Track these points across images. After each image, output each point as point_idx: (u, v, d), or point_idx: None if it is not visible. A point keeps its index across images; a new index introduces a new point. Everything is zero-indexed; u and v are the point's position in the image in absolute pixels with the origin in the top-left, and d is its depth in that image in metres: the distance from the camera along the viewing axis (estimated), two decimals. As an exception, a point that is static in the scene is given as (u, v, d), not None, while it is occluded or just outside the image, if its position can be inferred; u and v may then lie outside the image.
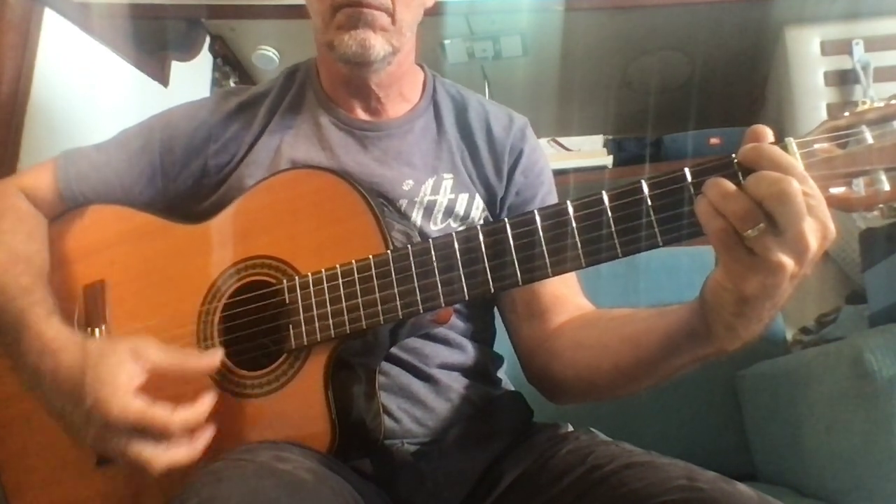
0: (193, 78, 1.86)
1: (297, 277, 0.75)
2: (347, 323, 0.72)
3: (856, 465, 0.97)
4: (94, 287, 0.86)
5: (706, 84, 2.14)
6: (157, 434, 0.67)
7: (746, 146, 0.58)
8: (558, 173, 1.03)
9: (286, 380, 0.74)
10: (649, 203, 0.61)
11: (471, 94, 0.98)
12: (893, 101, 0.55)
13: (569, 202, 0.65)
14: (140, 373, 0.68)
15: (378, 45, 0.82)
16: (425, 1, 0.90)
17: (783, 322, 1.45)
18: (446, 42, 1.97)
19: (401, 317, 0.71)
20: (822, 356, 1.08)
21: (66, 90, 1.41)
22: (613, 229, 0.62)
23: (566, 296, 0.88)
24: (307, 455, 0.68)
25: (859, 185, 0.56)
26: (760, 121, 0.59)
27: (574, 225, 0.64)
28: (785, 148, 0.57)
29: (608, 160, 2.01)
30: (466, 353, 0.87)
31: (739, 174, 0.57)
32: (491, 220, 0.91)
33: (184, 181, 0.91)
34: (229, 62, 2.02)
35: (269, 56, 1.99)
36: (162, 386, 0.70)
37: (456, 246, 0.69)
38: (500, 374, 0.94)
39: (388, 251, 0.72)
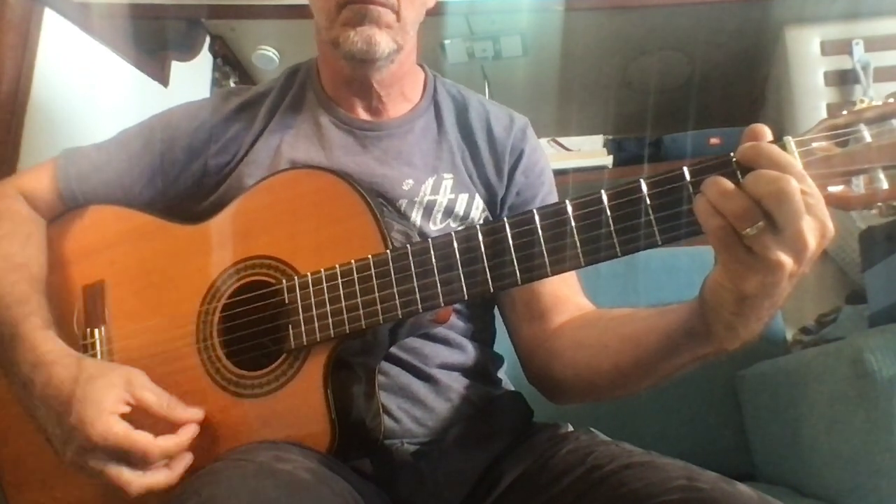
0: (193, 78, 1.86)
1: (296, 277, 0.75)
2: (347, 323, 0.72)
3: (856, 465, 0.97)
4: (94, 287, 0.86)
5: (706, 84, 2.14)
6: (137, 460, 0.68)
7: (745, 145, 0.58)
8: (558, 173, 1.03)
9: (286, 380, 0.74)
10: (648, 202, 0.61)
11: (471, 94, 0.98)
12: (892, 100, 0.55)
13: (568, 201, 0.65)
14: (126, 400, 0.70)
15: (383, 42, 0.82)
16: (427, 0, 0.91)
17: (783, 322, 1.45)
18: (446, 42, 1.97)
19: (400, 316, 0.71)
20: (822, 356, 1.07)
21: (66, 90, 1.41)
22: (612, 228, 0.62)
23: (566, 295, 0.88)
24: (307, 455, 0.68)
25: (858, 183, 0.56)
26: (760, 121, 0.59)
27: (573, 224, 0.64)
28: (783, 147, 0.57)
29: (608, 160, 2.01)
30: (466, 353, 0.87)
31: (738, 173, 0.57)
32: (491, 220, 0.91)
33: (184, 181, 0.91)
34: (229, 62, 2.02)
35: (269, 56, 2.00)
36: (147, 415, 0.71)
37: (455, 246, 0.69)
38: (500, 374, 0.93)
39: (388, 251, 0.72)
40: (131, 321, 0.83)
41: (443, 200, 0.87)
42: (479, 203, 0.90)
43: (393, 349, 0.80)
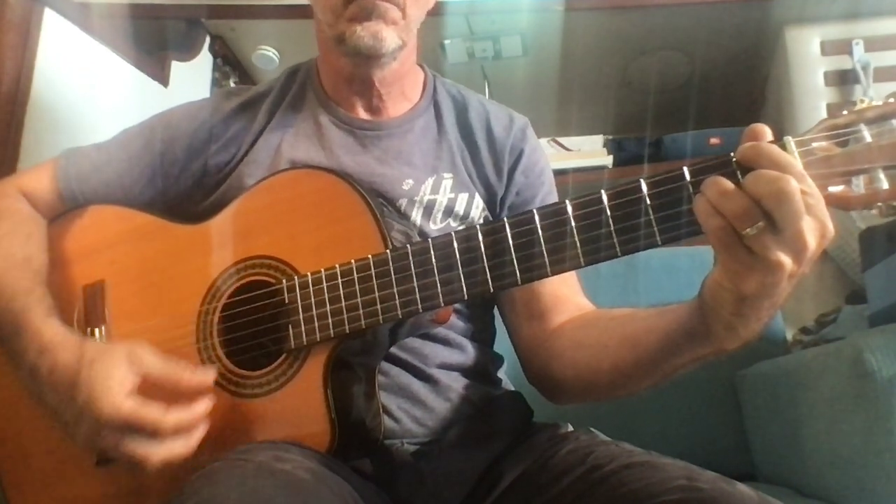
0: (193, 78, 1.86)
1: (296, 277, 0.75)
2: (347, 323, 0.72)
3: (856, 465, 0.97)
4: (94, 287, 0.86)
5: (706, 84, 2.14)
6: (149, 433, 0.67)
7: (745, 145, 0.58)
8: (558, 173, 1.03)
9: (286, 380, 0.74)
10: (648, 202, 0.61)
11: (471, 94, 0.98)
12: (892, 100, 0.55)
13: (568, 201, 0.65)
14: (133, 376, 0.69)
15: (389, 38, 0.83)
16: (429, 0, 0.91)
17: (783, 322, 1.44)
18: (446, 42, 1.97)
19: (400, 316, 0.71)
20: (822, 356, 1.07)
21: (66, 90, 1.41)
22: (612, 228, 0.62)
23: (566, 295, 0.88)
24: (306, 455, 0.68)
25: (858, 183, 0.56)
26: (760, 121, 0.59)
27: (573, 224, 0.64)
28: (783, 147, 0.57)
29: (608, 160, 2.01)
30: (466, 353, 0.87)
31: (738, 173, 0.57)
32: (491, 219, 0.91)
33: (184, 181, 0.91)
34: (229, 62, 2.02)
35: (269, 56, 2.00)
36: (159, 388, 0.70)
37: (455, 245, 0.69)
38: (500, 374, 0.93)
39: (388, 251, 0.72)
40: (131, 321, 0.83)
41: (443, 200, 0.87)
42: (478, 202, 0.90)
43: (393, 349, 0.80)
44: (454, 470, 0.77)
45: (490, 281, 0.67)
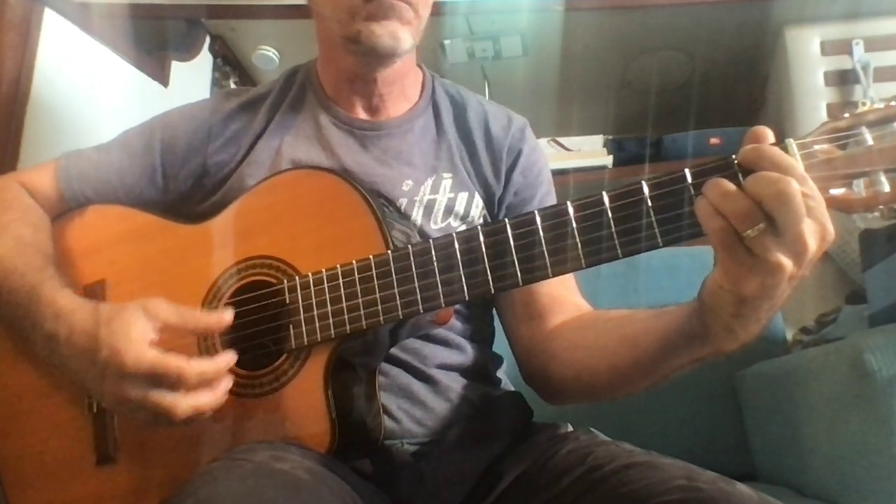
0: (193, 78, 1.86)
1: (297, 277, 0.75)
2: (347, 323, 0.72)
3: (856, 465, 0.97)
4: (95, 287, 0.86)
5: (706, 84, 2.14)
6: (173, 382, 0.67)
7: (747, 147, 0.58)
8: (558, 173, 1.03)
9: (286, 380, 0.74)
10: (649, 204, 0.61)
11: (470, 94, 0.98)
12: (894, 103, 0.55)
13: (569, 203, 0.65)
14: (152, 328, 0.69)
15: (405, 37, 0.83)
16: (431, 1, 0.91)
17: (783, 322, 1.45)
18: (446, 42, 1.97)
19: (401, 317, 0.71)
20: (822, 356, 1.08)
21: (66, 90, 1.41)
22: (614, 230, 0.62)
23: (564, 296, 0.88)
24: (305, 455, 0.68)
25: (859, 186, 0.56)
26: (760, 121, 0.59)
27: (574, 225, 0.64)
28: (785, 149, 0.57)
29: (608, 160, 2.01)
30: (465, 353, 0.87)
31: (739, 175, 0.57)
32: (490, 219, 0.91)
33: (184, 181, 0.92)
34: (229, 62, 2.02)
35: (269, 56, 1.99)
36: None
37: (456, 246, 0.69)
38: (500, 374, 0.94)
39: (389, 251, 0.72)
40: (132, 321, 0.83)
41: (442, 200, 0.87)
42: (478, 202, 0.90)
43: (392, 350, 0.80)
44: (454, 470, 0.77)
45: (491, 282, 0.67)
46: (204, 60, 1.92)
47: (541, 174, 0.96)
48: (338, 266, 0.73)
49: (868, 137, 0.55)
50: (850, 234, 1.52)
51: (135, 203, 0.90)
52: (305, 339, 0.73)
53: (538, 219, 0.66)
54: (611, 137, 2.17)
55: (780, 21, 1.87)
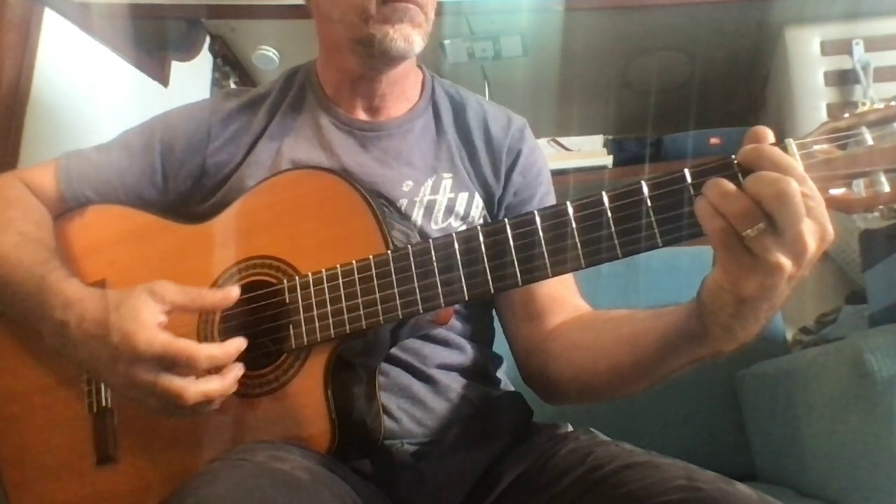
0: (193, 78, 1.86)
1: (297, 277, 0.75)
2: (347, 323, 0.72)
3: (856, 465, 0.97)
4: (95, 286, 0.85)
5: (706, 84, 2.14)
6: (184, 365, 0.68)
7: (746, 147, 0.58)
8: (558, 173, 1.04)
9: (286, 380, 0.75)
10: (649, 204, 0.61)
11: (469, 94, 0.98)
12: (894, 103, 0.55)
13: (569, 203, 0.65)
14: (160, 310, 0.70)
15: (417, 40, 0.84)
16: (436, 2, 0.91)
17: (783, 322, 1.45)
18: (446, 42, 1.97)
19: (401, 317, 0.71)
20: (822, 356, 1.08)
21: (66, 90, 1.41)
22: (613, 230, 0.62)
23: (563, 297, 0.88)
24: (305, 455, 0.68)
25: (859, 186, 0.56)
26: (760, 121, 0.59)
27: (574, 225, 0.64)
28: (785, 149, 0.57)
29: (608, 160, 2.01)
30: (465, 353, 0.87)
31: (739, 175, 0.57)
32: (490, 220, 0.91)
33: (184, 181, 0.92)
34: (229, 62, 2.02)
35: (269, 56, 1.99)
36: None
37: (456, 246, 0.69)
38: (500, 374, 0.94)
39: (389, 251, 0.72)
40: (132, 321, 0.83)
41: (443, 200, 0.88)
42: (478, 202, 0.90)
43: (392, 349, 0.80)
44: (454, 470, 0.77)
45: (491, 282, 0.67)
46: (204, 60, 1.92)
47: (540, 174, 0.96)
48: (338, 266, 0.73)
49: (868, 137, 0.55)
50: (850, 234, 1.52)
51: (135, 203, 0.90)
52: (305, 339, 0.73)
53: (538, 219, 0.66)
54: (611, 137, 2.17)
55: (780, 21, 1.87)
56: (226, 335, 0.78)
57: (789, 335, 1.56)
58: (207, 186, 0.91)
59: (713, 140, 1.92)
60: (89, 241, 0.89)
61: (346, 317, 0.72)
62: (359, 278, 0.72)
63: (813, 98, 1.82)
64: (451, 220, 0.87)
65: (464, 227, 0.87)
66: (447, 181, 0.89)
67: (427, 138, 0.92)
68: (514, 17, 1.89)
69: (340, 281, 0.73)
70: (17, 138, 1.27)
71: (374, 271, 0.72)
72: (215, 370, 0.70)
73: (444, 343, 0.86)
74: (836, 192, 0.57)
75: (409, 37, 0.83)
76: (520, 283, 0.67)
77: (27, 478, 0.84)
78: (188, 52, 1.84)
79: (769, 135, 0.58)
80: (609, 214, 0.63)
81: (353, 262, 0.73)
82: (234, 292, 0.73)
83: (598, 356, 0.78)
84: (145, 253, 0.85)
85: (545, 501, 0.70)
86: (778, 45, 1.91)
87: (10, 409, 0.85)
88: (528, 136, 0.96)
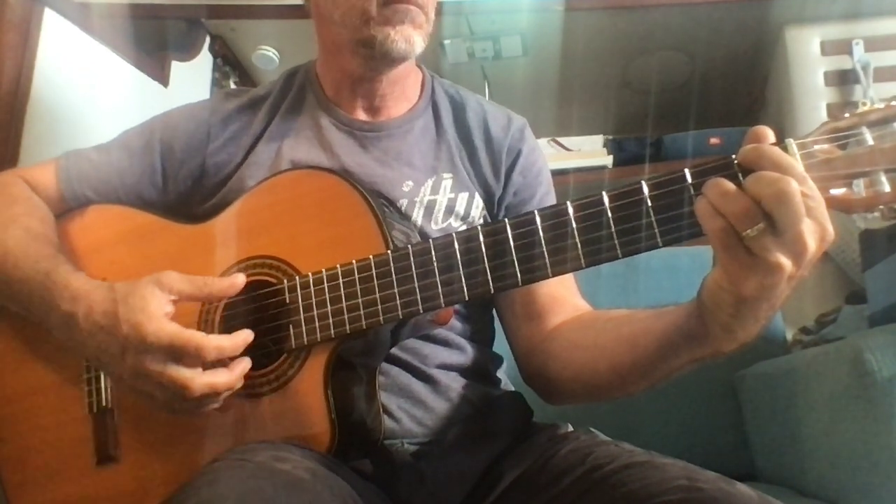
0: (193, 78, 1.86)
1: (297, 277, 0.75)
2: (347, 323, 0.72)
3: (856, 465, 0.97)
4: (97, 284, 0.86)
5: (706, 84, 2.14)
6: (193, 355, 0.68)
7: (747, 147, 0.58)
8: (558, 173, 1.04)
9: (286, 380, 0.75)
10: (649, 204, 0.61)
11: (469, 94, 0.98)
12: (894, 103, 0.55)
13: (569, 203, 0.65)
14: (167, 300, 0.70)
15: (418, 41, 0.84)
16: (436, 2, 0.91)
17: (783, 322, 1.45)
18: (446, 42, 1.97)
19: (401, 317, 0.71)
20: (822, 356, 1.08)
21: (66, 90, 1.41)
22: (613, 230, 0.62)
23: (563, 297, 0.88)
24: (306, 455, 0.68)
25: (859, 186, 0.56)
26: (760, 121, 0.59)
27: (574, 225, 0.64)
28: (785, 149, 0.57)
29: (608, 160, 2.01)
30: (465, 353, 0.87)
31: (739, 175, 0.57)
32: (490, 220, 0.91)
33: (183, 181, 0.92)
34: (229, 62, 2.02)
35: (269, 56, 1.99)
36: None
37: (456, 246, 0.69)
38: (500, 374, 0.94)
39: (389, 251, 0.72)
40: (132, 321, 0.83)
41: (443, 200, 0.88)
42: (478, 202, 0.90)
43: (392, 349, 0.80)
44: (454, 470, 0.77)
45: (491, 282, 0.67)
46: (204, 60, 1.92)
47: (540, 174, 0.96)
48: (338, 266, 0.73)
49: (868, 137, 0.55)
50: (850, 234, 1.52)
51: (135, 203, 0.90)
52: (305, 339, 0.73)
53: (538, 219, 0.66)
54: (611, 137, 2.17)
55: (780, 21, 1.87)
56: (225, 333, 0.78)
57: (789, 335, 1.56)
58: (207, 187, 0.91)
59: (713, 140, 1.92)
60: (89, 241, 0.89)
61: (346, 317, 0.72)
62: (359, 278, 0.72)
63: (813, 98, 1.82)
64: (452, 220, 0.87)
65: (464, 227, 0.87)
66: (447, 181, 0.89)
67: (427, 138, 0.92)
68: (514, 17, 1.89)
69: (340, 281, 0.73)
70: (17, 138, 1.27)
71: (374, 271, 0.72)
72: (222, 363, 0.70)
73: (445, 343, 0.86)
74: (837, 192, 0.57)
75: (411, 38, 0.83)
76: (520, 283, 0.67)
77: (27, 478, 0.84)
78: (188, 52, 1.84)
79: (769, 135, 0.58)
80: (609, 214, 0.63)
81: (354, 262, 0.73)
82: (239, 279, 0.74)
83: (598, 356, 0.78)
84: (145, 253, 0.85)
85: (545, 501, 0.70)
86: (778, 44, 1.91)
87: (10, 409, 0.85)
88: (528, 136, 0.96)
